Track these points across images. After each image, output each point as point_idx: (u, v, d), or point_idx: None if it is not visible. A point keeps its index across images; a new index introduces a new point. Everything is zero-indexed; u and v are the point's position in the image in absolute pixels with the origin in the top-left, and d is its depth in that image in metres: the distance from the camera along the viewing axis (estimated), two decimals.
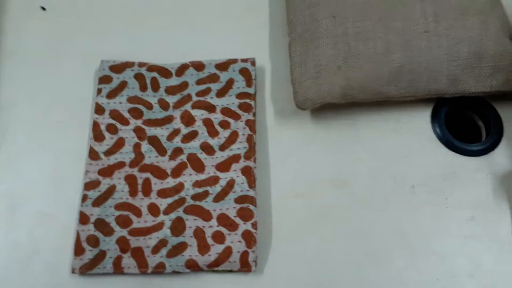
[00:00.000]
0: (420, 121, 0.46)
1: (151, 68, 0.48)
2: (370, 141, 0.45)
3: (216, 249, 0.40)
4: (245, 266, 0.39)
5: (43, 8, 0.52)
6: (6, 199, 0.43)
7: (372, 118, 0.46)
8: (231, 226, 0.41)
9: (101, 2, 0.53)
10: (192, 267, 0.40)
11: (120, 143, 0.44)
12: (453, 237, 0.41)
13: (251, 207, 0.41)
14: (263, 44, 0.50)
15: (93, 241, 0.40)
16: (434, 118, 0.46)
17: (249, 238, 0.40)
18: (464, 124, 0.48)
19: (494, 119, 0.46)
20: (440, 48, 0.43)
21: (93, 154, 0.44)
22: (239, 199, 0.42)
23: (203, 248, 0.40)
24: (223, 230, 0.41)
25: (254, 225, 0.41)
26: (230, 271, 0.40)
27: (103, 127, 0.45)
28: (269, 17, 0.52)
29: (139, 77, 0.47)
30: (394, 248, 0.41)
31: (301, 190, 0.44)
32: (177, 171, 0.43)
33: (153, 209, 0.42)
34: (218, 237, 0.40)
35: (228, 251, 0.40)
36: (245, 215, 0.41)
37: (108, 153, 0.44)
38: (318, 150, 0.45)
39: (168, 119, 0.45)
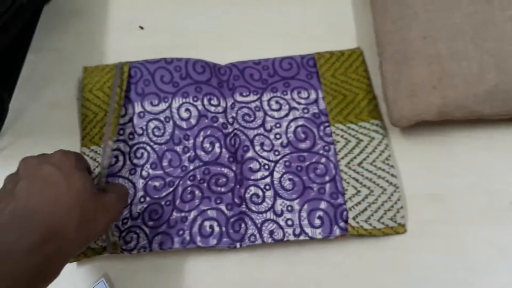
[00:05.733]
0: None
1: None
2: (463, 157, 0.46)
3: None
4: None
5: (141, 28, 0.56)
6: None
7: (465, 135, 0.47)
8: None
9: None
10: None
11: None
12: None
13: None
14: None
15: None
16: None
17: None
18: None
19: None
20: None
21: None
22: None
23: None
24: None
25: None
26: None
27: None
28: (356, 38, 0.54)
29: None
30: (494, 264, 0.42)
31: None
32: None
33: None
34: None
35: None
36: None
37: None
38: (412, 165, 0.46)
39: None
